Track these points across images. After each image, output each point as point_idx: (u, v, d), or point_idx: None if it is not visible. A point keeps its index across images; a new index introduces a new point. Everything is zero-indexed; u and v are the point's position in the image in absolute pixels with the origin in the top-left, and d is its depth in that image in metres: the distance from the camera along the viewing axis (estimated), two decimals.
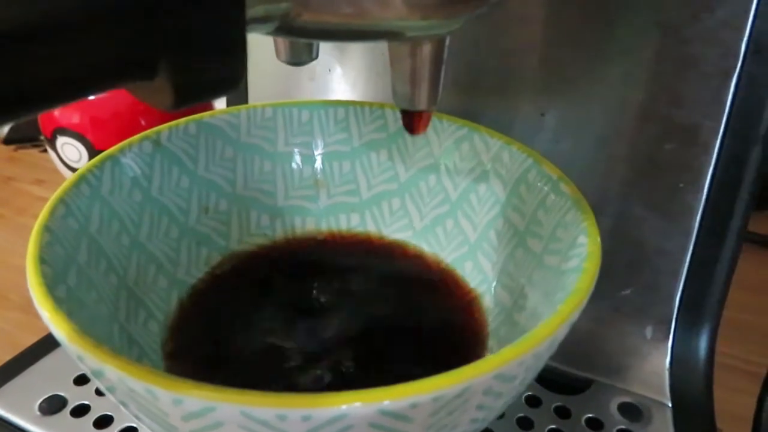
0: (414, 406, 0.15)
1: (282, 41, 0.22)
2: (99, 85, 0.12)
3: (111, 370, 0.15)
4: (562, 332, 0.17)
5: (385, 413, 0.14)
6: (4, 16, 0.10)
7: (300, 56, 0.22)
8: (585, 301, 0.18)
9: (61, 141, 0.45)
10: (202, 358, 0.24)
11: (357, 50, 0.33)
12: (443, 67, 0.18)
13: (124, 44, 0.11)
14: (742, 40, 0.24)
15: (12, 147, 0.59)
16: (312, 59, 0.22)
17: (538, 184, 0.25)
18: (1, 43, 0.10)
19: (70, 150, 0.45)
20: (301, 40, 0.21)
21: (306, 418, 0.14)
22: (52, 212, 0.21)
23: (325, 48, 0.32)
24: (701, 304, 0.29)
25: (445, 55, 0.18)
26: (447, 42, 0.18)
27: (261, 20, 0.14)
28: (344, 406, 0.14)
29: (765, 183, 0.54)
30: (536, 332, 0.16)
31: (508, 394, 0.17)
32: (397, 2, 0.15)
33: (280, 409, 0.14)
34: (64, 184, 0.23)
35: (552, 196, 0.24)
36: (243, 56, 0.13)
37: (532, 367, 0.17)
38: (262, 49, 0.33)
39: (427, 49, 0.17)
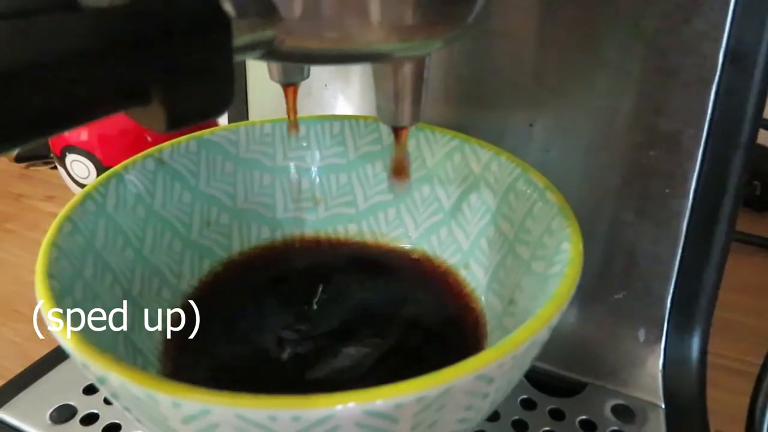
0: (399, 406, 0.15)
1: (274, 63, 0.23)
2: (100, 111, 0.13)
3: (114, 377, 0.16)
4: (541, 335, 0.18)
5: (370, 414, 0.15)
6: (15, 54, 0.11)
7: (292, 76, 0.23)
8: (564, 306, 0.19)
9: (71, 158, 0.47)
10: (205, 366, 0.25)
11: (351, 67, 0.34)
12: (424, 86, 0.19)
13: (121, 75, 0.13)
14: (719, 50, 0.25)
15: (23, 164, 0.61)
16: (304, 79, 0.23)
17: (527, 191, 0.26)
18: (11, 79, 0.11)
19: (79, 167, 0.47)
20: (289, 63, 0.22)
21: (296, 419, 0.15)
22: (60, 229, 0.22)
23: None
24: (692, 306, 0.30)
25: (426, 74, 0.19)
26: (427, 62, 0.19)
27: (248, 48, 0.15)
28: (334, 407, 0.15)
29: (766, 186, 0.54)
30: (516, 335, 0.17)
31: (493, 394, 0.18)
32: (376, 27, 0.16)
33: (270, 410, 0.15)
34: (71, 202, 0.24)
35: (539, 204, 0.25)
36: (231, 83, 0.14)
37: (516, 367, 0.18)
38: (260, 68, 0.34)
39: (408, 69, 0.18)
